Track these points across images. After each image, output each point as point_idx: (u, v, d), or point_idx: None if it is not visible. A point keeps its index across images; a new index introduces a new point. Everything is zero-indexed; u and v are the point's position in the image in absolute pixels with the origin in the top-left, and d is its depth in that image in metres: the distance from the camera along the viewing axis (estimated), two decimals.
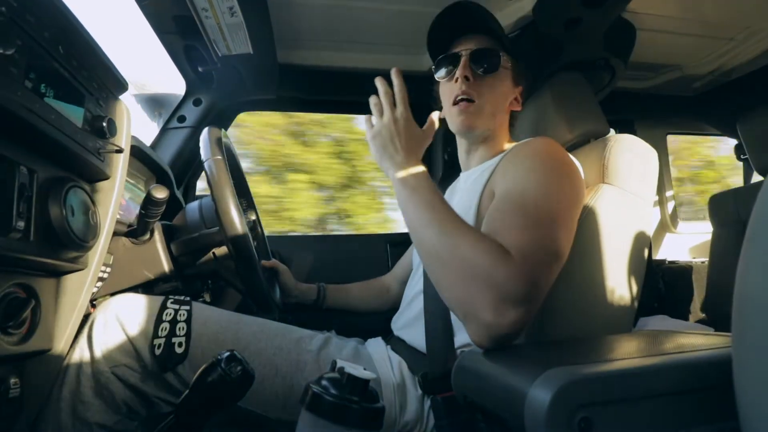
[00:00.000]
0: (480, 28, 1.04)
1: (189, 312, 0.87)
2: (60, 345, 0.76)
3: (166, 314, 0.85)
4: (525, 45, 1.49)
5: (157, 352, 0.82)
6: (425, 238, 0.76)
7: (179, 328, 0.85)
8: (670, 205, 2.30)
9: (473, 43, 1.03)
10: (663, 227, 2.28)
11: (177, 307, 0.87)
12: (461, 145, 1.12)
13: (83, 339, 0.84)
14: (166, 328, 0.84)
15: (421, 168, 0.83)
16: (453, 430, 0.86)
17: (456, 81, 1.00)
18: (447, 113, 1.05)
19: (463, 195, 1.04)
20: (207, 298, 1.29)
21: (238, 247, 0.96)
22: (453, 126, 1.04)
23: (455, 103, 1.01)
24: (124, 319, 0.85)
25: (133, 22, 1.29)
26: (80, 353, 0.83)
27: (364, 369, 0.60)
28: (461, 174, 1.16)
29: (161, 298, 0.89)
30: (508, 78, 1.05)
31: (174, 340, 0.84)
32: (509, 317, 0.66)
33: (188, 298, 0.91)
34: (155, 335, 0.83)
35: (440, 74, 1.05)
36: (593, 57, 1.50)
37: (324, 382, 0.59)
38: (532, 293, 0.68)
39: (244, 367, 0.68)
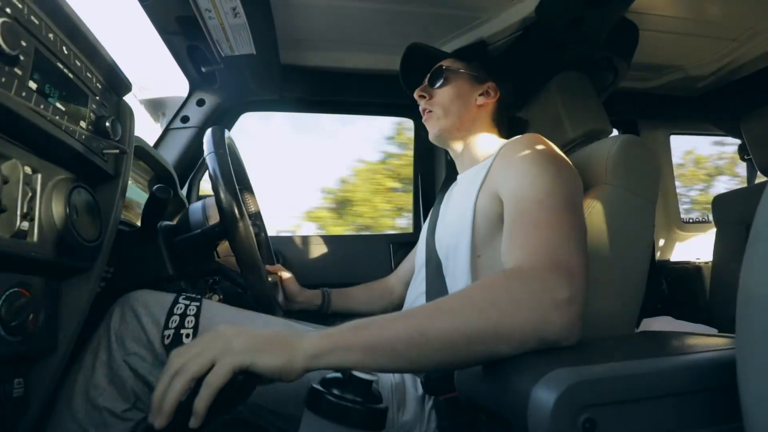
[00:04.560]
0: (435, 56, 1.22)
1: (198, 308, 0.90)
2: (64, 345, 0.76)
3: (177, 308, 0.89)
4: (528, 45, 1.49)
5: (166, 341, 0.85)
6: (441, 341, 0.61)
7: (188, 321, 0.88)
8: (674, 206, 2.29)
9: (433, 68, 1.21)
10: (666, 228, 2.28)
11: (188, 302, 0.91)
12: (450, 152, 1.22)
13: (102, 329, 0.88)
14: (175, 321, 0.87)
15: (323, 331, 0.63)
16: (455, 431, 0.86)
17: (419, 100, 1.20)
18: None
19: (460, 196, 1.07)
20: (214, 299, 1.28)
21: (240, 242, 0.96)
22: (429, 138, 1.19)
23: (423, 118, 1.19)
24: (140, 311, 0.88)
25: (137, 22, 1.30)
26: (97, 341, 0.87)
27: None
28: (458, 176, 1.20)
29: (174, 295, 0.92)
30: (462, 81, 1.17)
31: (182, 331, 0.86)
32: (572, 310, 0.62)
33: (199, 296, 0.94)
34: (165, 326, 0.86)
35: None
36: (596, 57, 1.50)
37: (327, 382, 0.59)
38: (567, 272, 0.65)
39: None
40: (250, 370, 0.57)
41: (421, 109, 1.19)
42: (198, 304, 0.91)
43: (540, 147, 0.90)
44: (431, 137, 1.18)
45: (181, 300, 0.90)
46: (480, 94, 1.16)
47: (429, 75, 1.20)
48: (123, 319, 0.88)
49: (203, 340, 0.60)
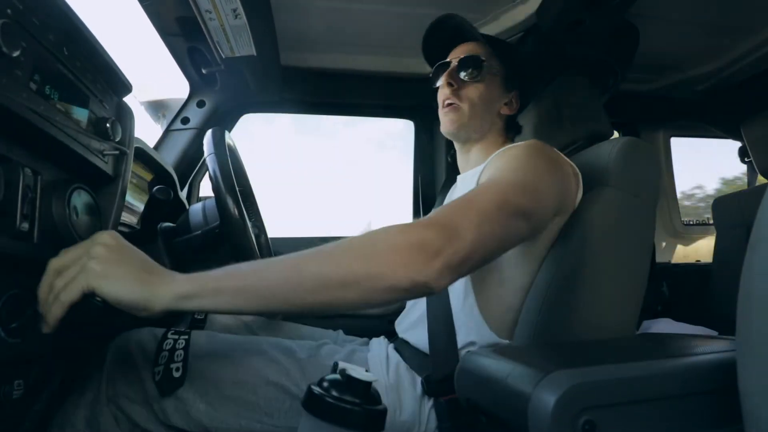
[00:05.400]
0: (471, 37, 1.10)
1: (187, 341, 0.89)
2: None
3: (166, 344, 0.88)
4: (529, 47, 1.49)
5: (157, 378, 0.85)
6: (315, 281, 0.63)
7: (177, 356, 0.87)
8: (674, 208, 2.29)
9: (464, 50, 1.10)
10: (667, 230, 2.28)
11: (176, 337, 0.90)
12: (457, 148, 1.17)
13: (94, 368, 0.86)
14: (165, 356, 0.86)
15: (195, 273, 0.64)
16: None
17: (444, 87, 1.08)
18: (440, 117, 1.11)
19: (458, 196, 1.05)
20: None
21: (239, 242, 0.96)
22: (442, 129, 1.10)
23: (443, 107, 1.09)
24: (134, 351, 0.87)
25: (137, 24, 1.30)
26: (86, 380, 0.86)
27: (366, 371, 0.60)
28: (458, 177, 1.18)
29: (163, 330, 0.92)
30: (495, 83, 1.09)
31: (172, 365, 0.86)
32: (437, 261, 0.64)
33: (188, 329, 0.93)
34: (156, 363, 0.86)
35: (435, 81, 1.12)
36: (596, 59, 1.50)
37: (325, 384, 0.59)
38: (449, 231, 0.67)
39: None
40: (98, 295, 0.58)
41: (443, 98, 1.08)
42: (186, 337, 0.90)
43: (535, 151, 0.89)
44: (445, 130, 1.10)
45: (169, 335, 0.90)
46: (505, 103, 1.11)
47: (461, 59, 1.08)
48: (117, 360, 0.87)
49: (78, 250, 0.62)
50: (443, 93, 1.09)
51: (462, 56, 1.08)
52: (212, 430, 0.85)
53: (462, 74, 1.07)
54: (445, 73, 1.08)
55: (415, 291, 0.65)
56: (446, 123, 1.08)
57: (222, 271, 0.64)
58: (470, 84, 1.07)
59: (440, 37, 1.13)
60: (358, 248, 0.65)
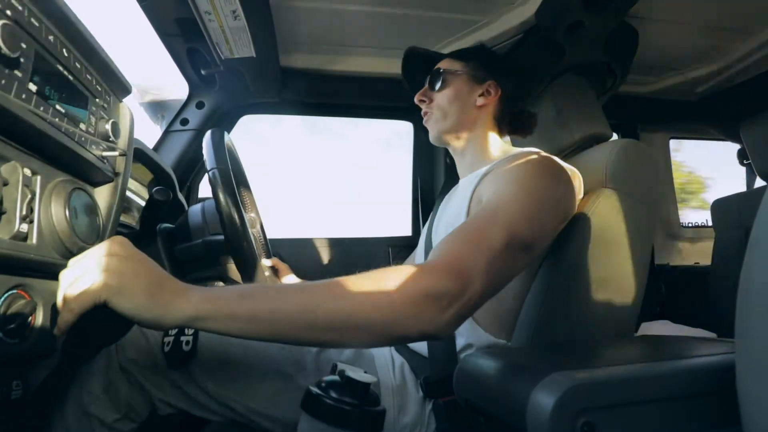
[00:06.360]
0: (437, 57, 1.21)
1: None
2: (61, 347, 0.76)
3: None
4: (528, 49, 1.49)
5: (166, 349, 0.85)
6: (328, 322, 0.62)
7: (187, 329, 0.87)
8: (673, 210, 2.29)
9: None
10: (666, 231, 2.28)
11: None
12: (452, 153, 1.20)
13: None
14: (175, 328, 0.86)
15: (206, 292, 0.63)
16: None
17: (419, 104, 1.17)
18: None
19: (456, 201, 1.06)
20: None
21: (243, 258, 0.97)
22: (430, 139, 1.17)
23: (423, 120, 1.17)
24: None
25: (137, 24, 1.30)
26: None
27: (365, 372, 0.60)
28: (460, 180, 1.18)
29: None
30: (460, 82, 1.13)
31: (182, 338, 0.86)
32: (449, 312, 0.65)
33: None
34: (166, 334, 0.87)
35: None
36: (596, 61, 1.51)
37: (324, 385, 0.59)
38: (461, 276, 0.67)
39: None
40: (110, 307, 0.58)
41: (422, 112, 1.17)
42: None
43: (538, 170, 0.88)
44: (431, 138, 1.16)
45: None
46: (480, 95, 1.12)
47: (429, 78, 1.17)
48: None
49: (90, 259, 0.61)
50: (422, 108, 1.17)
51: (429, 75, 1.17)
52: (222, 405, 0.87)
53: (430, 88, 1.16)
54: (418, 94, 1.17)
55: (422, 339, 0.68)
56: (429, 133, 1.16)
57: (237, 293, 0.63)
58: (437, 93, 1.14)
59: (416, 69, 1.25)
60: (373, 294, 0.64)
